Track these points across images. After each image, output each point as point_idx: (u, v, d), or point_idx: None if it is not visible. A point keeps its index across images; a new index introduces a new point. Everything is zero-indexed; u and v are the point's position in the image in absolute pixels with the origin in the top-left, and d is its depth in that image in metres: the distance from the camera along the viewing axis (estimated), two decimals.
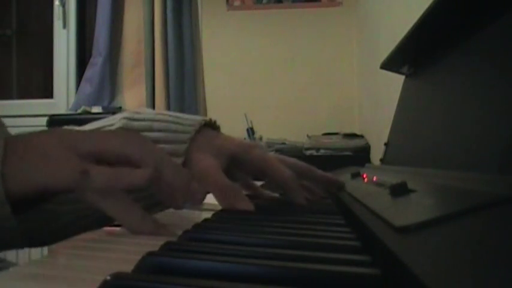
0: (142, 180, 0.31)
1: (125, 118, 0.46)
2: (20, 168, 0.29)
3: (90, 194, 0.30)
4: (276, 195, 0.60)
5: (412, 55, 0.66)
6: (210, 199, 0.46)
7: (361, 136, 1.91)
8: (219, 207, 0.44)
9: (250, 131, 2.10)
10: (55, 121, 1.84)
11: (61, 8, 2.33)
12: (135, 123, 0.46)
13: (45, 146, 0.31)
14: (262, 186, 0.62)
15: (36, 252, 2.06)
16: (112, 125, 0.46)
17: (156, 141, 0.44)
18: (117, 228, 0.33)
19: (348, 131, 2.00)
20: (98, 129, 0.46)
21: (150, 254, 0.21)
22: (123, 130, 0.44)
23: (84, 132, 0.35)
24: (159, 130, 0.45)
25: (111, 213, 0.32)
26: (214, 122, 0.50)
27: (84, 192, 0.30)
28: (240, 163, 0.48)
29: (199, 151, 0.45)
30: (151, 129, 0.46)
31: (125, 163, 0.32)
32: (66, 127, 0.51)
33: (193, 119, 0.48)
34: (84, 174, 0.29)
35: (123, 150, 0.32)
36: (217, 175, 0.44)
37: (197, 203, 0.35)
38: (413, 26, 0.55)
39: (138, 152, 0.33)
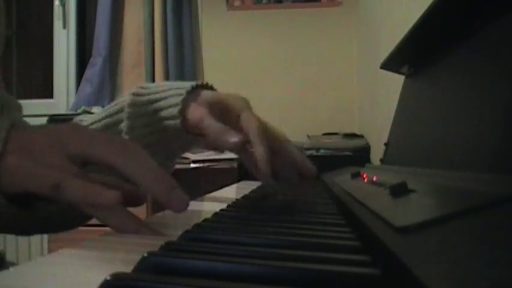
0: (108, 202, 0.32)
1: (132, 94, 0.54)
2: (13, 167, 0.32)
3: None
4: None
5: (412, 55, 0.66)
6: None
7: (361, 136, 1.91)
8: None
9: None
10: (55, 121, 1.84)
11: (61, 8, 2.33)
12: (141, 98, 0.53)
13: (39, 147, 0.33)
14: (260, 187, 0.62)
15: (36, 252, 2.06)
16: (122, 106, 0.53)
17: (156, 100, 0.52)
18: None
19: (348, 131, 1.99)
20: (97, 130, 0.51)
21: (150, 254, 0.21)
22: (118, 136, 0.49)
23: (80, 134, 0.36)
24: (161, 91, 0.52)
25: (94, 214, 0.33)
26: (211, 86, 0.56)
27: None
28: (228, 110, 0.51)
29: (193, 102, 0.50)
30: (156, 98, 0.52)
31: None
32: (78, 119, 0.58)
33: (190, 82, 0.53)
34: (56, 187, 0.31)
35: (108, 159, 0.34)
36: (207, 119, 0.47)
37: (179, 211, 0.35)
38: (413, 26, 0.55)
39: (121, 162, 0.34)
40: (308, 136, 1.98)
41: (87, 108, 2.03)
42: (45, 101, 2.32)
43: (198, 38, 2.25)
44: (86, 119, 0.56)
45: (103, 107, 2.07)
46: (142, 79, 2.16)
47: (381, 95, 1.55)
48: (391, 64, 0.73)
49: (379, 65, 0.77)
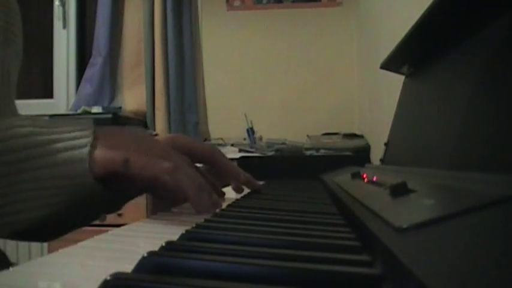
0: (163, 170, 0.40)
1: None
2: (99, 157, 0.39)
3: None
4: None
5: (412, 55, 0.66)
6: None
7: (361, 136, 1.91)
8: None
9: (250, 131, 2.10)
10: None
11: (61, 8, 2.33)
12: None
13: (116, 141, 0.41)
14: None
15: (36, 252, 2.06)
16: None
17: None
18: (112, 229, 0.33)
19: (348, 131, 2.00)
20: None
21: (150, 254, 0.21)
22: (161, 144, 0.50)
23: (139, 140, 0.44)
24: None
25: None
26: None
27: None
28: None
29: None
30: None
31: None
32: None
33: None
34: (125, 161, 0.39)
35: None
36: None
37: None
38: (413, 26, 0.55)
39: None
40: (308, 136, 1.98)
41: (87, 108, 2.02)
42: (45, 101, 2.32)
43: (198, 38, 2.24)
44: None
45: (103, 107, 2.08)
46: (142, 79, 2.16)
47: (380, 95, 1.55)
48: (391, 64, 0.73)
49: (379, 65, 0.77)
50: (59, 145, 0.37)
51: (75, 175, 0.37)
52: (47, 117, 0.41)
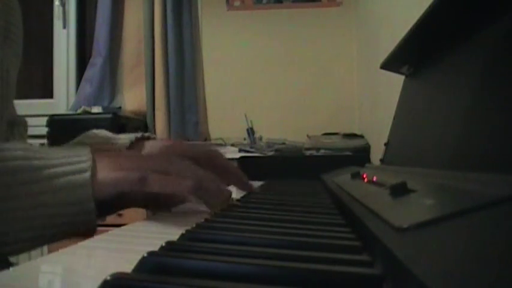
0: (185, 190, 0.39)
1: None
2: (103, 178, 0.37)
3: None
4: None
5: (412, 55, 0.66)
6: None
7: (361, 136, 1.91)
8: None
9: (250, 131, 2.10)
10: (55, 121, 1.83)
11: (61, 8, 2.33)
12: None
13: (123, 160, 0.40)
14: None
15: (36, 252, 2.06)
16: None
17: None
18: (112, 229, 0.33)
19: (348, 131, 1.99)
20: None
21: (150, 254, 0.21)
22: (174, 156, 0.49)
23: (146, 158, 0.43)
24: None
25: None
26: (148, 136, 0.58)
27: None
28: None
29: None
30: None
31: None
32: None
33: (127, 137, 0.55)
34: (142, 180, 0.38)
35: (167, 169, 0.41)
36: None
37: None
38: (413, 26, 0.55)
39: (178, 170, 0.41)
40: (308, 136, 1.98)
41: (87, 108, 2.02)
42: (45, 101, 2.32)
43: (198, 38, 2.25)
44: None
45: (103, 107, 2.08)
46: (142, 79, 2.16)
47: (381, 95, 1.55)
48: (391, 64, 0.73)
49: (379, 65, 0.77)
50: (57, 170, 0.35)
51: (76, 201, 0.35)
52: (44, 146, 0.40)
